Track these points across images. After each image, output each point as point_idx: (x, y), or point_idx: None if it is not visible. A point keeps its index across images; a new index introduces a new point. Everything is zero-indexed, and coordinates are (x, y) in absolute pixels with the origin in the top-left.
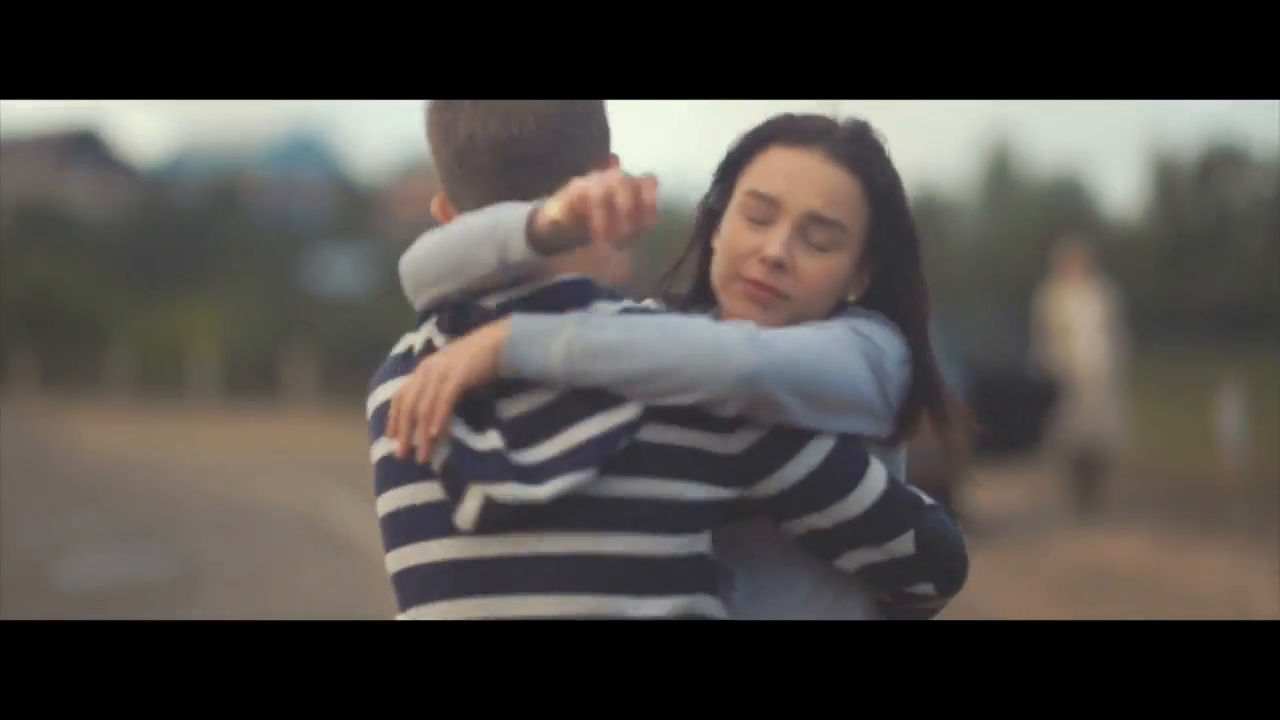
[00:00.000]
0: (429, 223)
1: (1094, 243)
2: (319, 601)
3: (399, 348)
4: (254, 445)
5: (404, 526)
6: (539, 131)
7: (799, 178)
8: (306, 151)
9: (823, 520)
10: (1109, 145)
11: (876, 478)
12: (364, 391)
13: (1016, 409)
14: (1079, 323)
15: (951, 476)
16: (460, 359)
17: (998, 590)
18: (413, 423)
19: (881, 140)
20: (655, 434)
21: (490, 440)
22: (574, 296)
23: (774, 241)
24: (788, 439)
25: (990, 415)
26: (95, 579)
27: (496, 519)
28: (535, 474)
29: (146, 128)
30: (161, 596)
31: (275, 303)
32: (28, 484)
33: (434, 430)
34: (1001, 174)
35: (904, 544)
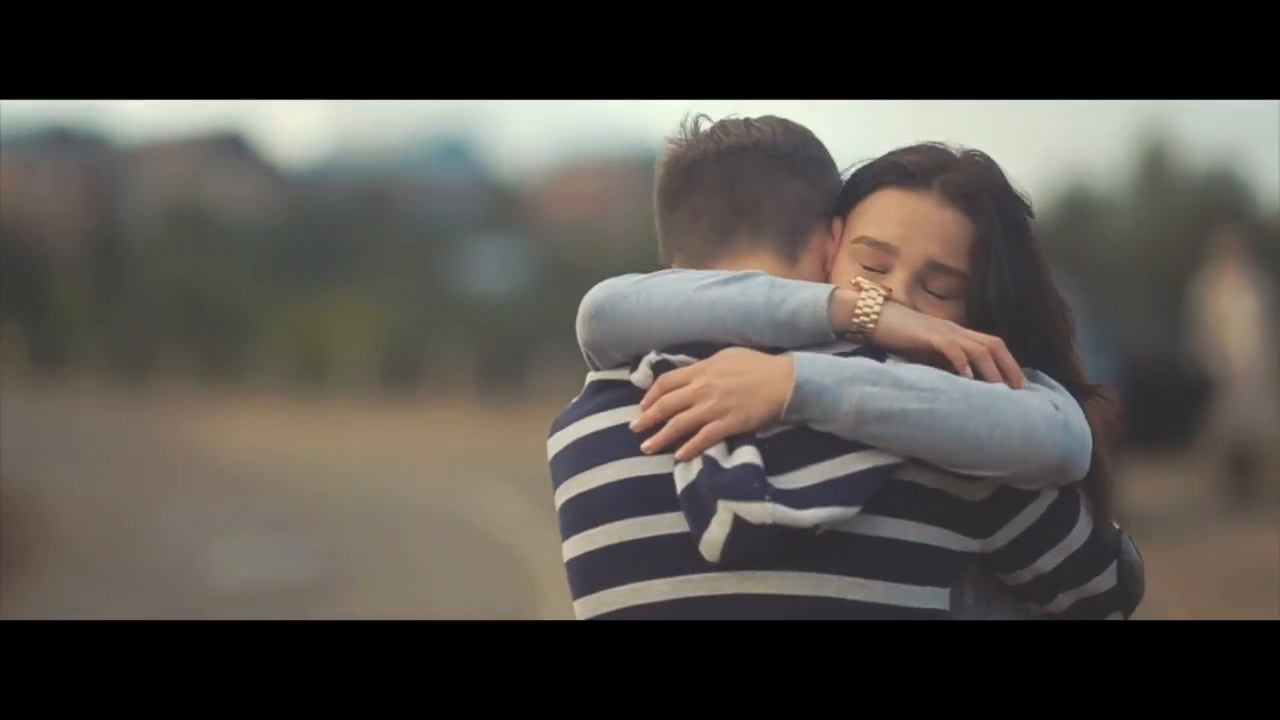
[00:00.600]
0: (583, 222)
1: (1250, 234)
2: (466, 599)
3: (592, 384)
4: (402, 442)
5: (619, 565)
6: (765, 182)
7: (915, 223)
8: (455, 154)
9: (1046, 563)
10: (1264, 135)
11: (1086, 514)
12: (514, 387)
13: (1171, 403)
14: (1234, 315)
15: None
16: (741, 401)
17: (1154, 587)
18: (677, 433)
19: (998, 173)
20: (913, 474)
21: (745, 455)
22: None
23: (895, 293)
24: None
25: (1145, 409)
26: (242, 576)
27: (745, 547)
28: (796, 499)
29: (294, 130)
30: (308, 593)
31: (424, 300)
32: (178, 479)
33: (688, 456)
34: (1156, 165)
35: (1109, 578)
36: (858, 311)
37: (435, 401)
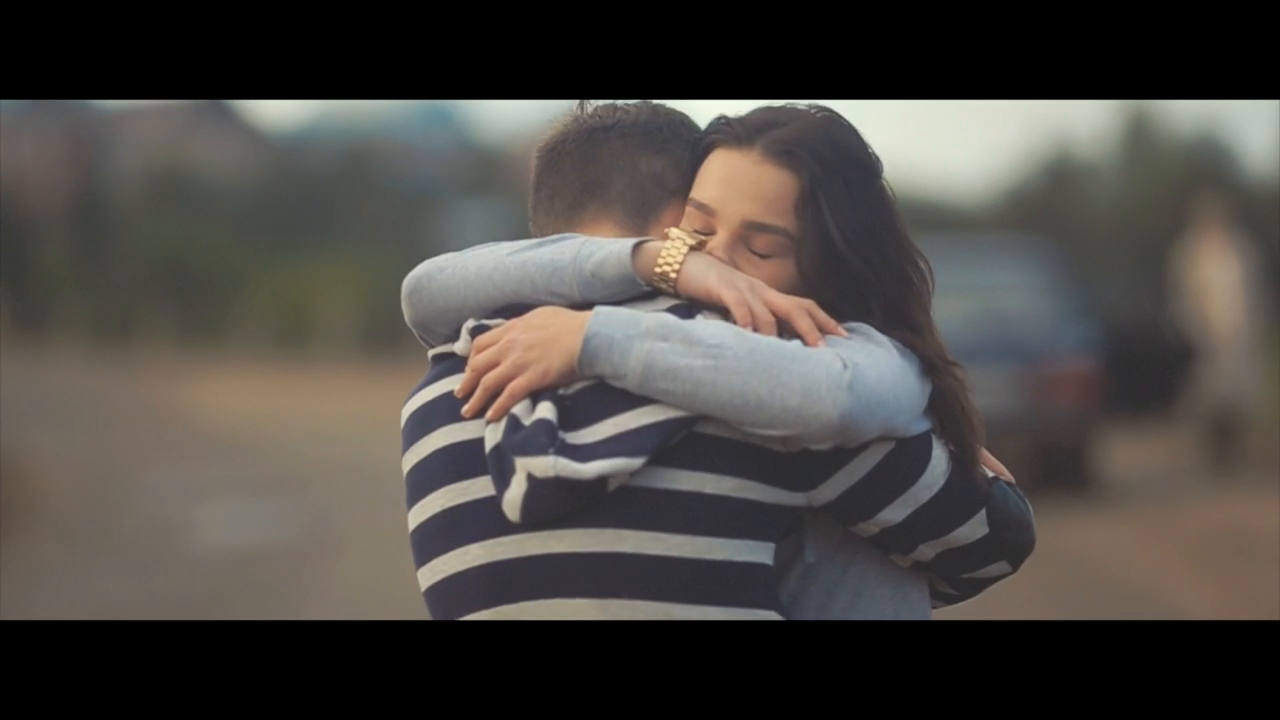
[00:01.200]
0: None
1: (1232, 200)
2: None
3: (430, 358)
4: (385, 404)
5: (440, 533)
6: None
7: (733, 183)
8: (438, 116)
9: (892, 515)
10: (1248, 101)
11: (939, 465)
12: None
13: (1153, 369)
14: (1217, 281)
15: (1081, 440)
16: (540, 355)
17: (1134, 554)
18: (487, 393)
19: (836, 130)
20: (714, 427)
21: (542, 411)
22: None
23: (715, 252)
24: None
25: (1126, 375)
26: (226, 536)
27: (539, 505)
28: (582, 453)
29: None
30: (292, 555)
31: (407, 263)
32: (160, 441)
33: (497, 415)
34: (1139, 131)
35: (977, 527)
36: (660, 261)
37: (417, 364)
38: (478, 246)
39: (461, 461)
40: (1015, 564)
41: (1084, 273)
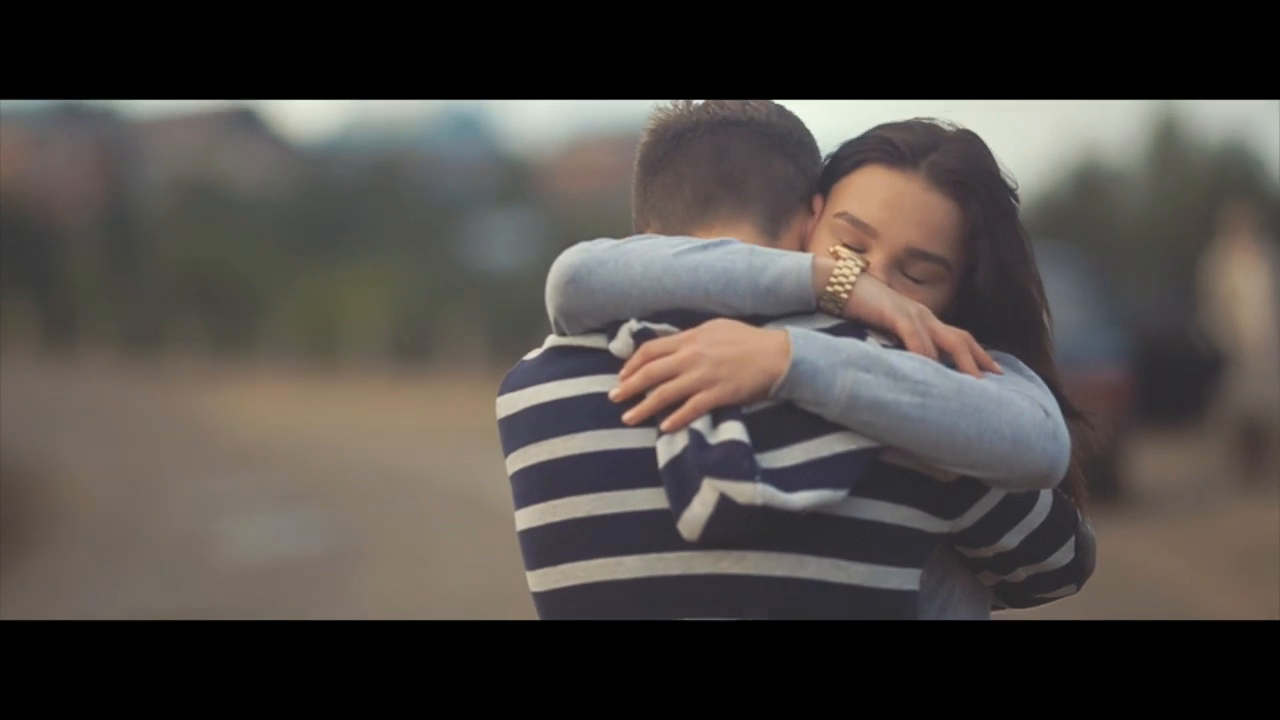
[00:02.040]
0: (595, 195)
1: (1262, 208)
2: (474, 575)
3: (555, 348)
4: (413, 416)
5: (584, 538)
6: (749, 155)
7: (899, 206)
8: (467, 127)
9: (1010, 541)
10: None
11: (1047, 493)
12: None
13: (1182, 377)
14: (1246, 290)
15: (1111, 448)
16: (732, 371)
17: (1165, 562)
18: (663, 403)
19: (987, 156)
20: (894, 456)
21: (733, 432)
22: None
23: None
24: None
25: (1155, 384)
26: (254, 547)
27: (727, 528)
28: (785, 481)
29: (306, 102)
30: (320, 567)
31: (436, 274)
32: (190, 452)
33: (674, 427)
34: (1168, 138)
35: (1067, 552)
36: (833, 279)
37: (447, 376)
38: (637, 239)
39: (619, 470)
40: (1080, 586)
41: (1113, 281)
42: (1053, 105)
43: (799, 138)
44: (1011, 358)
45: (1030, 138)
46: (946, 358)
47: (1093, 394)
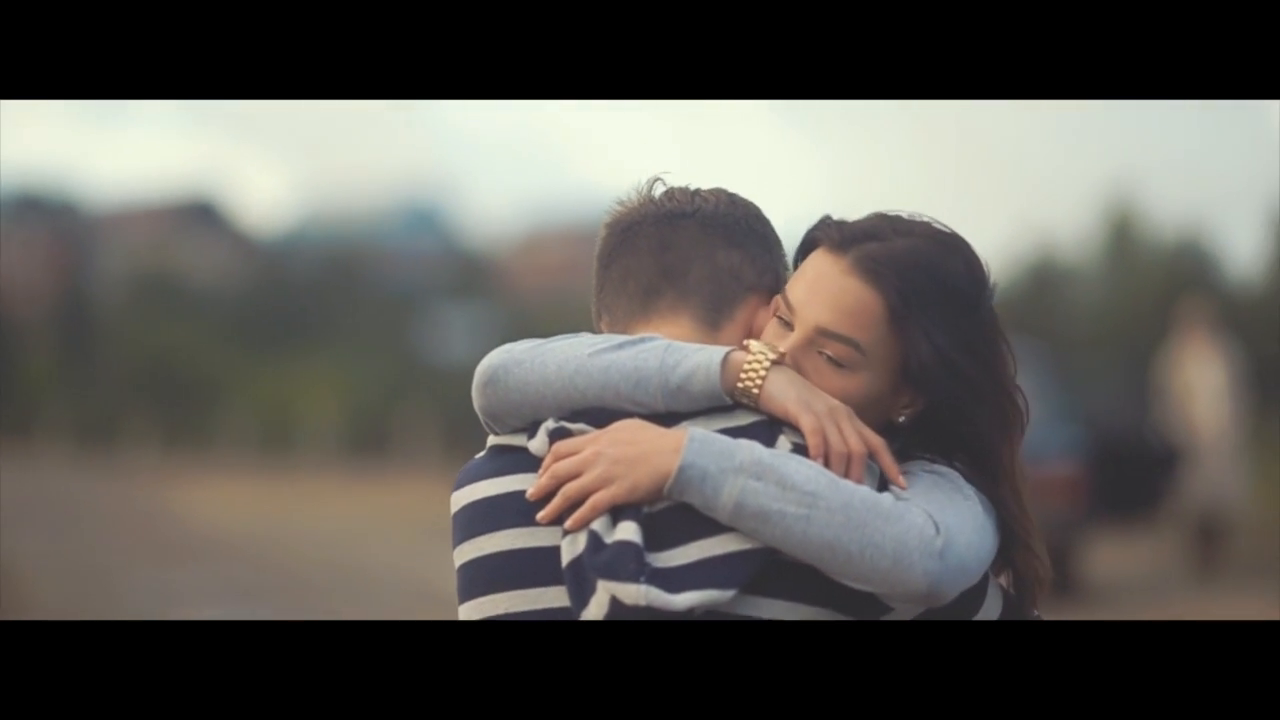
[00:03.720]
0: (551, 290)
1: (1216, 304)
2: None
3: (494, 447)
4: (370, 509)
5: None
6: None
7: (817, 287)
8: (424, 222)
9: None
10: (1232, 204)
11: (993, 606)
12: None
13: (1138, 472)
14: (1201, 385)
15: (1066, 543)
16: (627, 471)
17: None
18: (567, 502)
19: (938, 250)
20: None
21: (626, 532)
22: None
23: (787, 351)
24: None
25: (1111, 479)
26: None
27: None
28: (672, 581)
29: (265, 198)
30: None
31: (392, 368)
32: (145, 545)
33: (575, 526)
34: (1123, 233)
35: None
36: (743, 375)
37: (403, 469)
38: (558, 339)
39: (532, 568)
40: None
41: (1069, 376)
42: (1008, 199)
43: (749, 226)
44: (952, 473)
45: (986, 233)
46: (848, 469)
47: (1049, 489)
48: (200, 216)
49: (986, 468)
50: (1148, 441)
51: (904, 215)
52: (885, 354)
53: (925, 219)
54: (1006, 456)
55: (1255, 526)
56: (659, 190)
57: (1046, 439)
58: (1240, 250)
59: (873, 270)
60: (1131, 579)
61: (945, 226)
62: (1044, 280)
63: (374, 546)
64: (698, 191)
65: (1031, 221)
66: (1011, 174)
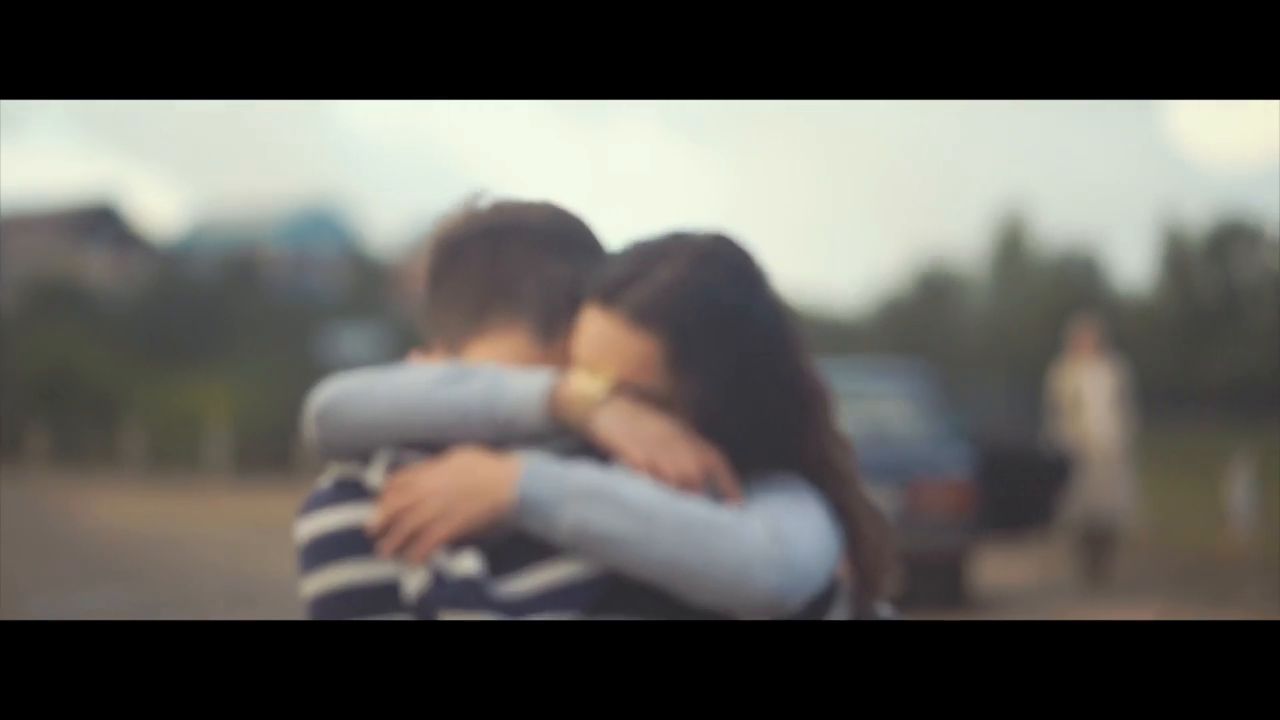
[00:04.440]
0: None
1: (1105, 319)
2: None
3: (335, 479)
4: (268, 520)
5: None
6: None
7: (599, 346)
8: (321, 227)
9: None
10: (1121, 222)
11: (839, 608)
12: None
13: (1027, 484)
14: (1090, 398)
15: (956, 555)
16: (463, 502)
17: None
18: (405, 537)
19: (701, 273)
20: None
21: (466, 564)
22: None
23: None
24: None
25: (1001, 491)
26: None
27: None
28: (514, 610)
29: (162, 204)
30: None
31: (290, 377)
32: (41, 559)
33: (414, 560)
34: (1013, 251)
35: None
36: (570, 409)
37: (302, 479)
38: (391, 372)
39: (375, 602)
40: None
41: (960, 390)
42: (901, 219)
43: (577, 238)
44: (787, 477)
45: (879, 247)
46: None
47: (939, 501)
48: (98, 224)
49: (807, 460)
50: (1037, 454)
51: (657, 237)
52: (682, 389)
53: (680, 234)
54: (821, 441)
55: (1142, 537)
56: (484, 204)
57: (938, 453)
58: (1128, 266)
59: (642, 321)
60: (1021, 589)
61: (700, 233)
62: (936, 298)
63: (273, 555)
64: (524, 204)
65: (922, 236)
66: (902, 189)
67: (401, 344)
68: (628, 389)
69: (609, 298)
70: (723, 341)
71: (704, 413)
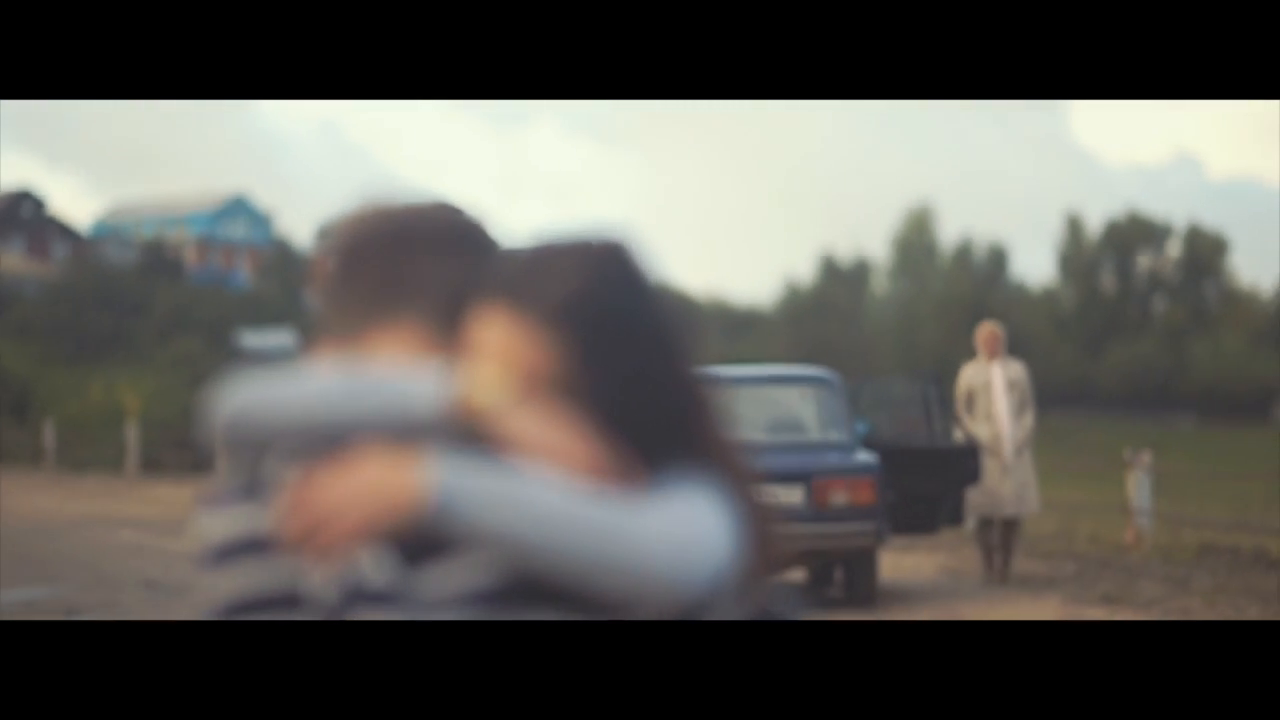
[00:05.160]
0: None
1: (1007, 318)
2: None
3: (236, 476)
4: (181, 507)
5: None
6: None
7: (492, 351)
8: (242, 214)
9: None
10: (1025, 225)
11: (743, 600)
12: None
13: (931, 482)
14: (993, 396)
15: (861, 551)
16: (368, 501)
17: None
18: (308, 535)
19: (589, 276)
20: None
21: (372, 562)
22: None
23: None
24: None
25: (906, 489)
26: None
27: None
28: (422, 608)
29: (78, 191)
30: None
31: (205, 364)
32: None
33: (321, 560)
34: (918, 251)
35: None
36: (471, 405)
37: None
38: (293, 376)
39: (276, 602)
40: None
41: (866, 388)
42: (810, 224)
43: (475, 239)
44: (690, 475)
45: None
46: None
47: (845, 499)
48: (13, 209)
49: (701, 456)
50: (941, 451)
51: (560, 239)
52: (584, 386)
53: (581, 236)
54: (713, 439)
55: (1041, 532)
56: (384, 203)
57: (842, 450)
58: (1030, 267)
59: (549, 319)
60: (923, 582)
61: (599, 237)
62: (844, 287)
63: (185, 547)
64: (423, 203)
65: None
66: (811, 186)
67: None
68: (530, 386)
69: (516, 296)
70: (623, 341)
71: (604, 409)
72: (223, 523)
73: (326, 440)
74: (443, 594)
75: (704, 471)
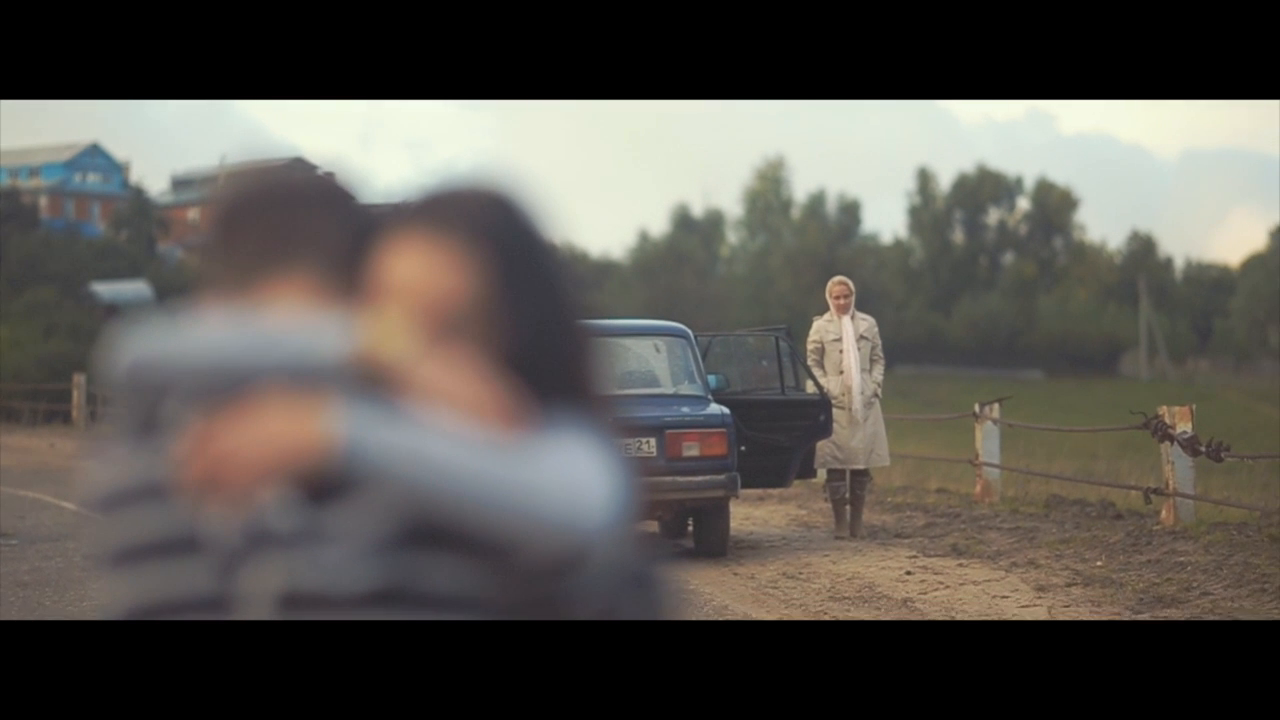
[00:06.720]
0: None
1: (858, 272)
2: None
3: (132, 423)
4: (35, 456)
5: (149, 611)
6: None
7: (405, 276)
8: (92, 163)
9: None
10: (878, 178)
11: (628, 557)
12: None
13: (780, 433)
14: (844, 349)
15: (713, 505)
16: (271, 448)
17: (751, 609)
18: (209, 480)
19: (504, 213)
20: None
21: (275, 509)
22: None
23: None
24: None
25: (755, 439)
26: None
27: (290, 610)
28: (325, 556)
29: None
30: None
31: (58, 314)
32: None
33: (223, 506)
34: (771, 204)
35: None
36: (372, 350)
37: (89, 425)
38: (191, 317)
39: (176, 548)
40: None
41: (716, 340)
42: (667, 178)
43: (345, 194)
44: (583, 426)
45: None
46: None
47: (697, 450)
48: None
49: (587, 402)
50: (793, 404)
51: (455, 186)
52: (493, 323)
53: (474, 184)
54: (595, 386)
55: (891, 484)
56: (256, 164)
57: (694, 402)
58: (881, 221)
59: (454, 257)
60: (775, 534)
61: (484, 178)
62: (694, 244)
63: (67, 493)
64: (291, 162)
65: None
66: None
67: (185, 274)
68: (444, 318)
69: (433, 223)
70: (531, 278)
71: (507, 348)
72: (116, 468)
73: (227, 386)
74: (344, 537)
75: (587, 418)
